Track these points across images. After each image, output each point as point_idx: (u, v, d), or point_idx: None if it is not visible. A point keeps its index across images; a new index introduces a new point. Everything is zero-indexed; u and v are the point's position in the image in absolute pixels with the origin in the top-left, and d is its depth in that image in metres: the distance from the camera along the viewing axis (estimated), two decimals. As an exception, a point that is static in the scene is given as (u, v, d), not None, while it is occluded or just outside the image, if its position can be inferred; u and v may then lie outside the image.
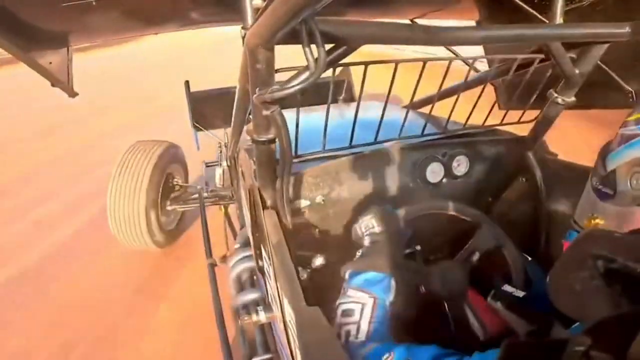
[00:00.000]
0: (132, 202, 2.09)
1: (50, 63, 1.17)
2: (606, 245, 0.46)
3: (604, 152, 0.63)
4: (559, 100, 0.96)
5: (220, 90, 2.40)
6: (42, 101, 5.68)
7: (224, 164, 2.31)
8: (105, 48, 11.64)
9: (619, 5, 0.93)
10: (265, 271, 0.90)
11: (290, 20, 0.44)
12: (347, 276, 0.74)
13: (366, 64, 0.81)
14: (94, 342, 1.82)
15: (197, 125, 2.36)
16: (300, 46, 0.48)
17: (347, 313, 0.66)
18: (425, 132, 1.09)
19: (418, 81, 0.92)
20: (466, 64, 1.10)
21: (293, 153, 0.82)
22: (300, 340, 0.53)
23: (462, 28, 0.70)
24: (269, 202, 0.81)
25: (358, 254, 0.79)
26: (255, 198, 0.84)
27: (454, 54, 1.31)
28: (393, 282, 0.71)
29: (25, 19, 0.99)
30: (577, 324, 0.50)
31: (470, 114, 1.10)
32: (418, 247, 1.03)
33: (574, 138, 3.11)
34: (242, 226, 1.61)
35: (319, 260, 1.00)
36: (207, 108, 2.36)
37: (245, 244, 1.27)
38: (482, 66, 1.46)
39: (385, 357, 0.55)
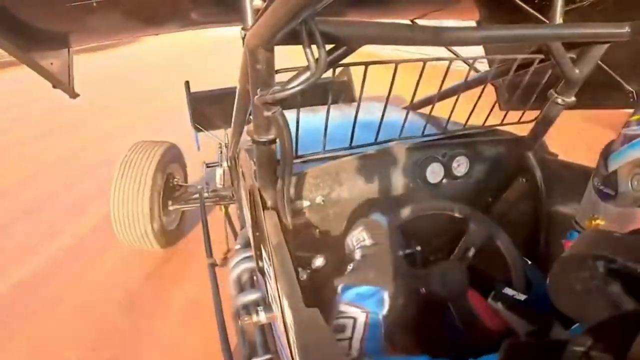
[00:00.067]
0: (135, 202, 2.09)
1: (52, 64, 1.17)
2: (606, 245, 0.45)
3: (606, 152, 0.62)
4: (559, 100, 0.96)
5: (221, 90, 2.40)
6: (42, 102, 5.70)
7: (225, 164, 2.31)
8: (105, 49, 11.64)
9: (619, 5, 0.93)
10: (266, 271, 0.90)
11: (291, 21, 0.44)
12: (339, 290, 0.72)
13: (366, 64, 0.81)
14: (93, 342, 1.82)
15: (198, 125, 2.37)
16: (300, 46, 0.48)
17: (339, 329, 0.63)
18: (426, 132, 1.09)
19: (418, 82, 0.92)
20: (466, 64, 1.10)
21: (294, 153, 0.83)
22: (299, 341, 0.53)
23: (462, 28, 0.70)
24: (269, 203, 0.81)
25: (349, 267, 0.77)
26: (255, 198, 0.84)
27: (454, 54, 1.31)
28: (386, 295, 0.69)
29: (25, 20, 0.99)
30: (578, 324, 0.50)
31: (470, 114, 1.10)
32: (418, 248, 1.03)
33: (574, 138, 3.11)
34: (243, 226, 1.61)
35: (319, 261, 1.00)
36: (207, 108, 2.37)
37: (246, 245, 1.27)
38: (483, 66, 1.46)
39: None
